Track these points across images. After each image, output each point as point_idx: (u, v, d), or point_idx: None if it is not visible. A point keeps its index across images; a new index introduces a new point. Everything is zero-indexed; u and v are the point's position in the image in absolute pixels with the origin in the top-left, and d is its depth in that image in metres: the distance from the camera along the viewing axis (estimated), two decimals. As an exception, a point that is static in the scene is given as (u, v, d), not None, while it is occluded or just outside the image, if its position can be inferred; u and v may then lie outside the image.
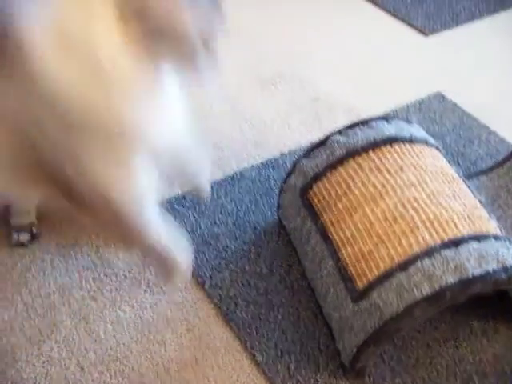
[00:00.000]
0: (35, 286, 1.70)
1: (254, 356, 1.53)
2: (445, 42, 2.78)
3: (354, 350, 1.41)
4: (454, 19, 2.92)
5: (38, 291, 1.69)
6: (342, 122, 2.25)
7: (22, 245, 1.77)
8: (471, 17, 2.95)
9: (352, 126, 1.66)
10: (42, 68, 0.92)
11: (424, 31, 2.83)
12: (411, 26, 2.88)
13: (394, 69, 2.60)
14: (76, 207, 1.18)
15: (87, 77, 0.94)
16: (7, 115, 0.97)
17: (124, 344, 1.57)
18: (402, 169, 1.53)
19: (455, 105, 2.38)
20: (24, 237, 1.78)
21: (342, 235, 1.50)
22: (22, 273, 1.73)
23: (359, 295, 1.41)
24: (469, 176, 1.90)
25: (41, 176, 1.06)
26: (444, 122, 2.30)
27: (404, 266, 1.37)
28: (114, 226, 1.27)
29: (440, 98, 2.42)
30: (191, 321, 1.62)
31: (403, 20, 2.92)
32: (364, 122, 1.66)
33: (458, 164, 2.07)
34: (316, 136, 2.19)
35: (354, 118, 2.25)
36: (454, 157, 2.12)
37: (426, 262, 1.35)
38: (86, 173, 1.05)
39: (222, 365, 1.53)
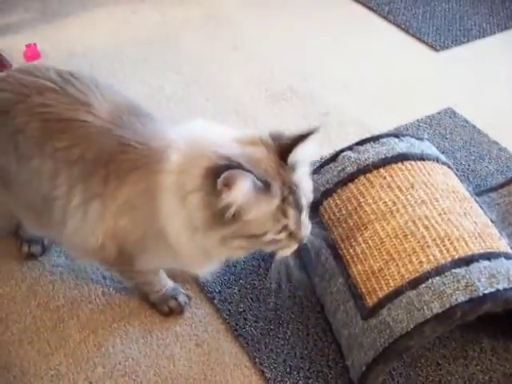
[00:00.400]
0: (44, 299, 1.71)
1: (262, 372, 1.53)
2: (455, 57, 2.78)
3: (363, 368, 1.40)
4: (465, 35, 2.92)
5: (47, 304, 1.69)
6: (352, 137, 2.25)
7: (33, 256, 1.78)
8: (482, 33, 2.95)
9: (363, 143, 1.66)
10: (164, 211, 1.30)
11: (435, 47, 2.83)
12: (422, 41, 2.88)
13: (405, 84, 2.60)
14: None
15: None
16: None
17: (133, 359, 1.57)
18: (412, 186, 1.53)
19: (466, 121, 2.37)
20: (35, 249, 1.78)
21: (352, 252, 1.49)
22: (32, 286, 1.74)
23: (369, 313, 1.41)
24: (479, 193, 1.90)
25: None
26: (454, 138, 2.29)
27: (414, 284, 1.37)
28: None
29: (451, 113, 2.42)
30: (200, 336, 1.62)
31: (414, 35, 2.92)
32: (375, 139, 1.66)
33: (469, 180, 2.07)
34: (326, 151, 2.19)
35: (365, 134, 2.26)
36: (465, 173, 2.11)
37: (437, 280, 1.35)
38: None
39: (231, 381, 1.53)
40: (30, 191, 1.44)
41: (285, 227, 1.27)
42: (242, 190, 1.16)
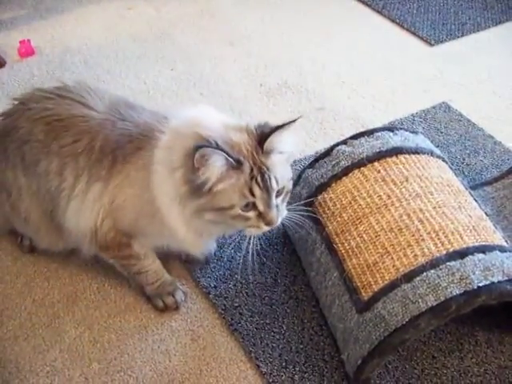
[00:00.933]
0: (39, 296, 1.71)
1: (258, 366, 1.53)
2: (450, 51, 2.78)
3: (359, 361, 1.40)
4: (460, 29, 2.92)
5: (43, 300, 1.69)
6: (347, 131, 2.26)
7: (34, 251, 1.78)
8: (477, 27, 2.95)
9: (357, 136, 1.66)
10: (155, 182, 1.41)
11: (429, 41, 2.83)
12: (417, 35, 2.88)
13: (400, 78, 2.60)
14: None
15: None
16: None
17: (128, 354, 1.57)
18: (407, 180, 1.53)
19: (460, 115, 2.37)
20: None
21: (347, 246, 1.49)
22: (27, 282, 1.74)
23: (364, 306, 1.41)
24: (474, 186, 1.90)
25: None
26: (449, 132, 2.29)
27: (409, 277, 1.37)
28: None
29: (445, 108, 2.42)
30: (196, 331, 1.62)
31: (409, 30, 2.92)
32: (369, 133, 1.66)
33: (464, 174, 2.07)
34: (321, 145, 2.20)
35: (359, 128, 2.27)
36: (460, 167, 2.11)
37: (432, 273, 1.35)
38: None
39: (227, 375, 1.53)
40: (39, 199, 1.55)
41: (253, 206, 1.36)
42: (214, 165, 1.29)
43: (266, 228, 1.39)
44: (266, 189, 1.34)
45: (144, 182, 1.42)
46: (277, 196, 1.38)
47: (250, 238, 1.44)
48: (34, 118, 1.50)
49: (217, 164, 1.29)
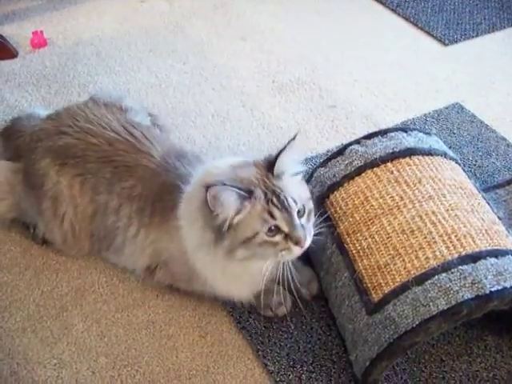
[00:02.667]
0: (48, 288, 1.70)
1: (265, 365, 1.53)
2: (464, 52, 2.76)
3: (367, 363, 1.39)
4: (475, 29, 2.90)
5: (51, 293, 1.69)
6: (359, 130, 2.25)
7: (46, 242, 1.78)
8: (492, 27, 2.92)
9: (370, 136, 1.65)
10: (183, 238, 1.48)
11: (444, 41, 2.81)
12: (431, 35, 2.86)
13: (413, 78, 2.58)
14: None
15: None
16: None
17: (135, 349, 1.57)
18: (420, 181, 1.52)
19: (473, 116, 2.36)
20: None
21: (358, 246, 1.48)
22: (36, 273, 1.74)
23: (374, 308, 1.40)
24: (486, 189, 1.88)
25: None
26: (462, 133, 2.28)
27: (420, 280, 1.36)
28: None
29: (458, 108, 2.40)
30: (204, 327, 1.61)
31: (423, 29, 2.90)
32: (383, 133, 1.65)
33: (475, 176, 2.05)
34: (333, 143, 2.19)
35: (372, 127, 2.26)
36: (471, 169, 2.10)
37: (443, 276, 1.34)
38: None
39: (234, 373, 1.52)
40: (91, 223, 1.65)
41: (277, 229, 1.36)
42: (227, 201, 1.31)
43: (296, 249, 1.38)
44: (285, 209, 1.35)
45: (179, 240, 1.49)
46: (300, 217, 1.38)
47: (284, 266, 1.42)
48: (104, 160, 1.61)
49: (229, 199, 1.31)
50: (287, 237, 1.36)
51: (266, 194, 1.34)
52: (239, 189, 1.31)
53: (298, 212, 1.38)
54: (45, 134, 1.67)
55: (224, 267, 1.45)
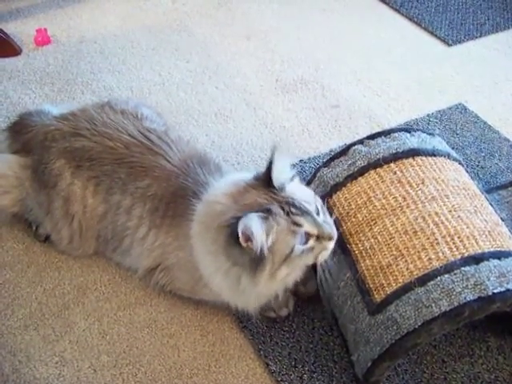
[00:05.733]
0: (50, 286, 1.71)
1: (267, 365, 1.53)
2: (468, 52, 2.76)
3: (369, 364, 1.39)
4: (478, 30, 2.90)
5: (53, 290, 1.70)
6: (362, 130, 2.25)
7: (47, 239, 1.78)
8: (495, 28, 2.92)
9: (374, 137, 1.65)
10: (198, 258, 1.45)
11: (447, 41, 2.81)
12: (434, 35, 2.86)
13: (416, 78, 2.58)
14: None
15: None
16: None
17: (137, 347, 1.57)
18: (423, 182, 1.52)
19: (477, 117, 2.36)
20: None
21: (360, 247, 1.48)
22: (38, 271, 1.74)
23: (376, 308, 1.40)
24: (489, 190, 1.88)
25: None
26: (465, 133, 2.28)
27: (423, 280, 1.35)
28: None
29: (461, 109, 2.40)
30: (205, 326, 1.62)
31: (427, 29, 2.90)
32: (386, 133, 1.65)
33: (478, 177, 2.05)
34: (335, 143, 2.19)
35: (374, 127, 2.26)
36: (474, 169, 2.10)
37: (446, 277, 1.34)
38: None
39: (235, 372, 1.53)
40: (100, 223, 1.64)
41: (308, 235, 1.34)
42: (259, 231, 1.27)
43: (330, 244, 1.38)
44: (306, 212, 1.34)
45: (189, 252, 1.47)
46: (317, 214, 1.38)
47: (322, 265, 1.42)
48: (119, 162, 1.60)
49: (256, 227, 1.26)
50: (319, 237, 1.36)
51: (283, 208, 1.33)
52: (257, 211, 1.29)
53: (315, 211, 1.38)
54: (60, 135, 1.67)
55: (263, 292, 1.43)
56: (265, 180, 1.37)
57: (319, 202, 1.43)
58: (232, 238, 1.29)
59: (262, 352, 1.55)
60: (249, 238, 1.27)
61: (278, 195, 1.35)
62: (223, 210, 1.35)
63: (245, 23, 2.89)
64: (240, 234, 1.25)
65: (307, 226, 1.33)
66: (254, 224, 1.25)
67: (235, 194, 1.38)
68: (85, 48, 2.66)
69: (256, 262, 1.31)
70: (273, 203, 1.33)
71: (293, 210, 1.33)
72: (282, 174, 1.39)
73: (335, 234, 1.38)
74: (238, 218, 1.26)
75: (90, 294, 1.69)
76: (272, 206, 1.32)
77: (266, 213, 1.30)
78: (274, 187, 1.36)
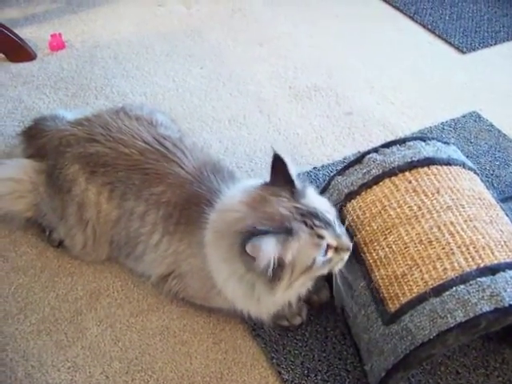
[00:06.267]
0: (63, 291, 1.71)
1: (279, 373, 1.52)
2: (482, 60, 2.75)
3: (383, 374, 1.38)
4: (493, 37, 2.89)
5: (66, 296, 1.70)
6: (376, 137, 2.24)
7: (60, 244, 1.79)
8: (510, 35, 2.91)
9: (389, 145, 1.64)
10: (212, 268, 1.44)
11: (461, 49, 2.80)
12: (449, 42, 2.85)
13: (430, 86, 2.57)
14: None
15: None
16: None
17: (149, 354, 1.57)
18: (438, 191, 1.51)
19: (491, 125, 2.34)
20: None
21: (375, 256, 1.47)
22: (51, 276, 1.74)
23: (390, 318, 1.39)
24: (504, 199, 1.86)
25: None
26: (479, 142, 2.26)
27: (438, 291, 1.34)
28: None
29: (476, 117, 2.39)
30: (218, 334, 1.61)
31: (441, 36, 2.89)
32: (401, 141, 1.64)
33: (493, 186, 2.04)
34: (349, 151, 2.18)
35: (388, 135, 2.25)
36: (489, 178, 2.08)
37: (461, 288, 1.32)
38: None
39: (248, 380, 1.52)
40: (113, 229, 1.64)
41: (328, 246, 1.35)
42: (269, 249, 1.26)
43: (347, 255, 1.40)
44: (328, 224, 1.35)
45: (202, 260, 1.46)
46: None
47: (337, 274, 1.42)
48: (134, 168, 1.59)
49: (269, 247, 1.26)
50: (337, 249, 1.37)
51: (305, 222, 1.32)
52: (275, 232, 1.27)
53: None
54: (75, 140, 1.67)
55: (278, 300, 1.42)
56: (284, 185, 1.36)
57: (334, 210, 1.43)
58: (242, 244, 1.28)
59: (274, 360, 1.54)
60: (256, 254, 1.26)
61: (300, 204, 1.34)
62: (241, 217, 1.34)
63: (258, 30, 2.89)
64: (248, 247, 1.24)
65: (329, 238, 1.34)
66: (266, 244, 1.25)
67: (252, 202, 1.37)
68: (99, 53, 2.67)
69: (276, 274, 1.31)
70: (295, 217, 1.32)
71: (316, 222, 1.33)
72: (299, 179, 1.39)
73: (350, 245, 1.39)
74: (257, 230, 1.27)
75: (102, 299, 1.69)
76: (294, 223, 1.31)
77: (286, 233, 1.29)
78: (294, 193, 1.35)
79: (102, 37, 2.79)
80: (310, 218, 1.33)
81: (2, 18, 2.70)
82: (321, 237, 1.33)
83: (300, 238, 1.31)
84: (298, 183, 1.36)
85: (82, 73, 2.54)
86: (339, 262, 1.40)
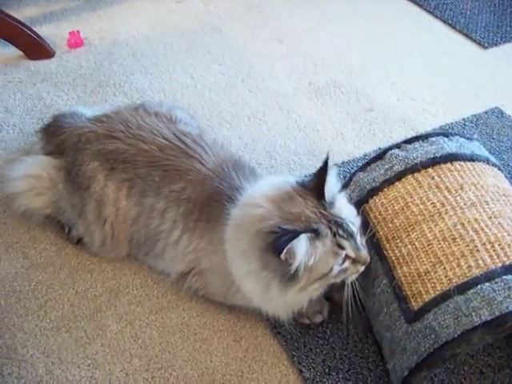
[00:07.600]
0: (82, 288, 1.70)
1: (301, 371, 1.50)
2: (504, 55, 2.71)
3: (405, 373, 1.36)
4: (515, 32, 2.84)
5: (85, 293, 1.69)
6: (397, 134, 2.22)
7: (80, 241, 1.79)
8: (533, 30, 2.86)
9: (411, 141, 1.61)
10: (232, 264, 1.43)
11: (483, 44, 2.76)
12: (470, 38, 2.81)
13: (451, 82, 2.54)
14: None
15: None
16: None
17: (169, 352, 1.56)
18: (462, 188, 1.48)
19: (514, 121, 2.31)
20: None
21: (397, 253, 1.45)
22: (70, 273, 1.74)
23: (413, 316, 1.36)
24: (527, 196, 1.83)
25: None
26: (502, 138, 2.23)
27: (462, 288, 1.32)
28: None
29: (498, 113, 2.35)
30: (238, 332, 1.60)
31: (461, 32, 2.85)
32: (424, 137, 1.61)
33: (516, 183, 2.00)
34: (370, 147, 2.16)
35: (409, 131, 2.23)
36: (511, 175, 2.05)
37: (486, 286, 1.30)
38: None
39: (268, 378, 1.51)
40: (133, 226, 1.64)
41: (346, 256, 1.35)
42: (303, 253, 1.27)
43: (363, 268, 1.39)
44: (351, 235, 1.35)
45: (223, 256, 1.45)
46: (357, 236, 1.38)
47: (350, 285, 1.42)
48: (154, 165, 1.59)
49: (301, 248, 1.26)
50: (354, 261, 1.37)
51: (330, 229, 1.32)
52: (305, 231, 1.27)
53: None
54: (94, 137, 1.66)
55: (289, 302, 1.43)
56: (314, 190, 1.36)
57: (359, 222, 1.42)
58: (272, 246, 1.27)
59: (295, 358, 1.53)
60: (291, 256, 1.26)
61: (327, 211, 1.34)
62: (264, 215, 1.33)
63: (277, 26, 2.88)
64: (284, 251, 1.24)
65: (348, 249, 1.35)
66: (300, 245, 1.25)
67: (277, 199, 1.36)
68: (117, 50, 2.66)
69: (293, 276, 1.31)
70: (322, 221, 1.32)
71: (340, 231, 1.33)
72: (333, 187, 1.40)
73: (368, 259, 1.39)
74: (285, 230, 1.27)
75: (122, 297, 1.68)
76: (320, 225, 1.31)
77: (314, 233, 1.29)
78: (324, 201, 1.35)
79: (120, 34, 2.78)
80: (336, 225, 1.33)
81: (20, 16, 2.70)
82: (341, 247, 1.33)
83: (325, 242, 1.31)
84: (328, 191, 1.35)
85: (101, 70, 2.54)
86: (354, 274, 1.39)
